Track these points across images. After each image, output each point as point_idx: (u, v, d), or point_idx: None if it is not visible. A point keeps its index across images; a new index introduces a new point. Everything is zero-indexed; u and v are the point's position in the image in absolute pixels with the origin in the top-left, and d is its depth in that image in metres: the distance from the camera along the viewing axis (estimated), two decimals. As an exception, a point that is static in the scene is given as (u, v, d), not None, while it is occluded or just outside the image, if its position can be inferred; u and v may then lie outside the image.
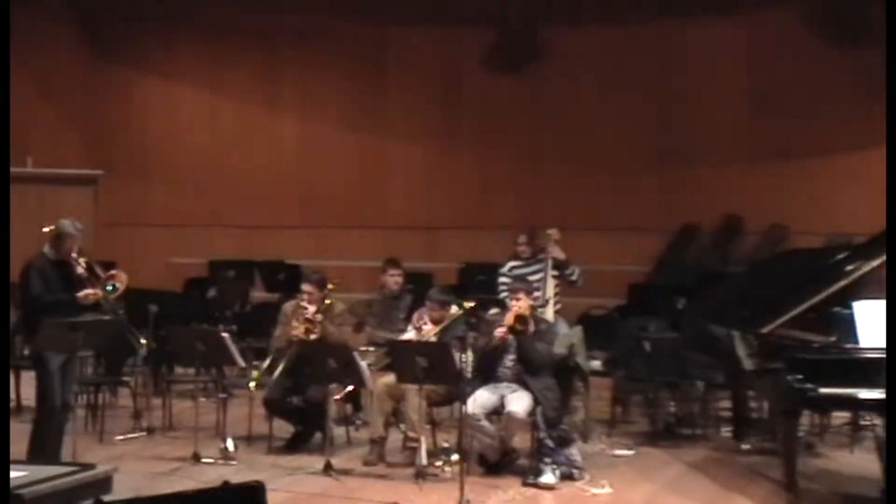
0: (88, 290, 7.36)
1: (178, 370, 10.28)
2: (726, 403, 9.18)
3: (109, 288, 7.50)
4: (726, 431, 8.97)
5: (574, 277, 9.00)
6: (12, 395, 9.62)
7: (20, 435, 7.51)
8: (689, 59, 13.87)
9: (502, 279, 9.02)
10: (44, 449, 7.32)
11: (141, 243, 14.48)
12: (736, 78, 13.74)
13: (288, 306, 8.57)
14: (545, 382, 7.65)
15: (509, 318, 7.61)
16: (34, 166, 14.57)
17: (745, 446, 8.48)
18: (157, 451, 8.38)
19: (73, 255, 7.42)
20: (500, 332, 7.60)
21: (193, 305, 10.90)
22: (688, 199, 13.67)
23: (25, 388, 9.20)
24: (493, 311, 8.22)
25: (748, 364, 7.51)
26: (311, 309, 8.28)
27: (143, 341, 8.75)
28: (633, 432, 9.11)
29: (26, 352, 8.70)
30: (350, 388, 8.32)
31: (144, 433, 8.90)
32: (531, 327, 7.61)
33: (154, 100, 14.94)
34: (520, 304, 7.70)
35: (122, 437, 8.77)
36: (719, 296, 8.81)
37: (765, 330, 7.21)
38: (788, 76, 13.53)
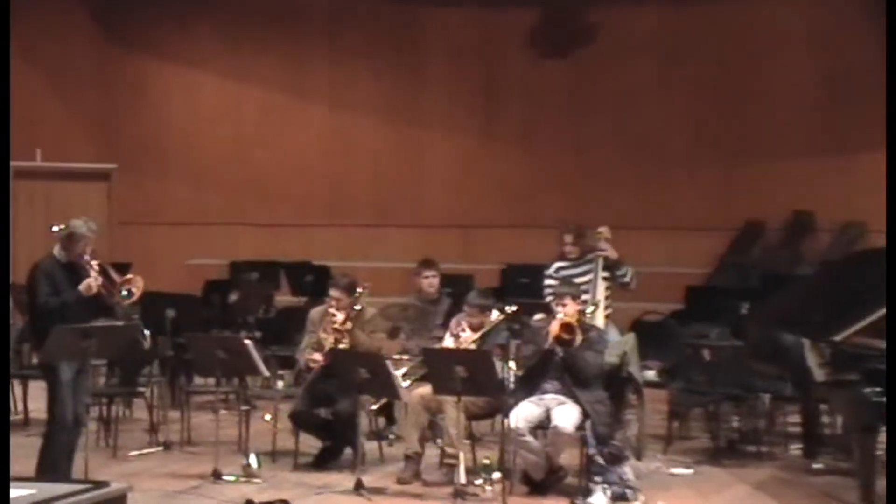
0: (89, 280, 7.36)
1: (198, 380, 10.31)
2: (795, 418, 9.10)
3: (125, 293, 7.54)
4: (795, 449, 8.88)
5: (627, 279, 8.95)
6: (20, 407, 9.71)
7: (29, 450, 7.57)
8: (754, 42, 13.74)
9: (548, 281, 8.98)
10: (54, 466, 7.36)
11: (157, 243, 14.56)
12: (806, 61, 13.60)
13: (315, 313, 8.58)
14: (595, 395, 7.61)
15: (554, 328, 7.56)
16: (43, 160, 14.68)
17: (816, 465, 8.40)
18: (175, 467, 8.41)
19: (86, 257, 7.46)
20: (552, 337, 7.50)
21: (214, 310, 10.95)
22: (752, 194, 13.55)
23: (34, 399, 9.26)
24: (538, 316, 8.18)
25: (820, 375, 7.42)
26: (340, 317, 8.28)
27: (146, 333, 8.70)
28: (692, 449, 9.05)
29: (35, 360, 8.75)
30: (383, 399, 8.32)
31: (161, 448, 8.94)
32: (579, 336, 7.55)
33: (172, 89, 15.03)
34: (566, 311, 7.65)
35: (137, 453, 8.81)
36: (787, 299, 8.72)
37: (838, 337, 7.12)
38: (864, 58, 13.35)
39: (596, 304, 8.39)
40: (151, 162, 14.95)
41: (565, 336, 7.55)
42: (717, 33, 13.81)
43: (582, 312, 7.79)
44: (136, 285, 7.59)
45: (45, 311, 7.36)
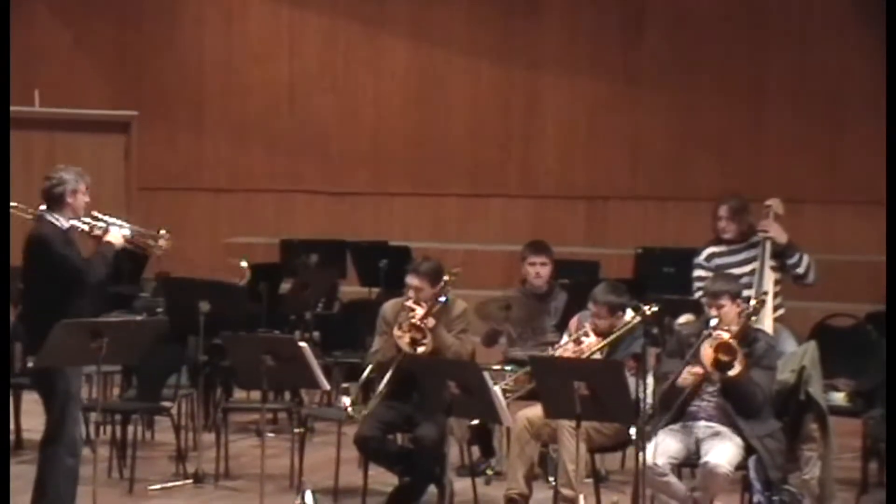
0: (113, 232, 7.55)
1: (238, 394, 10.42)
2: None
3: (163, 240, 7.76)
4: None
5: (801, 269, 8.90)
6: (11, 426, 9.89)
7: (23, 481, 7.74)
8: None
9: (698, 272, 8.98)
10: (58, 499, 7.52)
11: (189, 215, 14.73)
12: None
13: (388, 308, 8.60)
14: (764, 425, 7.58)
15: (707, 353, 7.52)
16: (42, 104, 14.89)
17: None
18: (208, 506, 8.53)
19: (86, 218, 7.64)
20: (689, 375, 7.53)
21: (260, 303, 11.04)
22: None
23: (29, 415, 9.39)
24: (684, 318, 8.15)
25: None
26: (420, 311, 8.28)
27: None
28: None
29: (30, 364, 8.88)
30: (476, 422, 8.32)
31: (191, 482, 9.03)
32: (741, 356, 7.48)
33: (211, 16, 15.17)
34: (722, 315, 7.60)
35: (159, 487, 8.92)
36: None
37: None
38: None
39: (762, 301, 8.26)
40: (182, 110, 15.11)
41: (724, 358, 7.51)
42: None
43: (746, 317, 7.72)
44: (162, 237, 7.77)
45: (83, 281, 7.54)
